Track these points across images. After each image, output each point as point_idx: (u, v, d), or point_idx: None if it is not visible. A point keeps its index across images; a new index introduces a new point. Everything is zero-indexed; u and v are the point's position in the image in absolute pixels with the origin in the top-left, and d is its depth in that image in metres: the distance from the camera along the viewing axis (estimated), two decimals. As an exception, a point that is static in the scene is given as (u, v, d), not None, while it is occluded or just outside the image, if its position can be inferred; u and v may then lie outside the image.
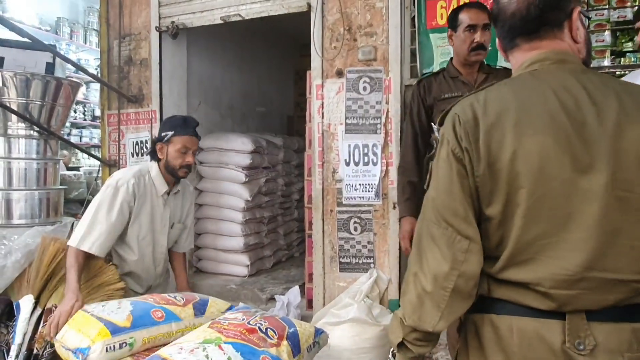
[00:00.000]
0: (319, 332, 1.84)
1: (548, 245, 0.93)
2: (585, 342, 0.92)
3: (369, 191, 2.81)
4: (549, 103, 0.95)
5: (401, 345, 1.07)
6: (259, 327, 1.65)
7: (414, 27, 2.78)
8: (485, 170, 0.96)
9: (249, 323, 1.67)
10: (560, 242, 0.93)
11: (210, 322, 1.71)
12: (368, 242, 2.84)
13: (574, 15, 1.01)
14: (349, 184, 2.86)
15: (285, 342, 1.64)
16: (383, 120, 2.77)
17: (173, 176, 2.33)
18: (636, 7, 2.57)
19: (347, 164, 2.86)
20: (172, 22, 3.41)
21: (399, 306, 1.09)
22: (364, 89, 2.82)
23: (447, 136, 1.01)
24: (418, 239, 1.05)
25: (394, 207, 2.73)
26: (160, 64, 3.50)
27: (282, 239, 4.27)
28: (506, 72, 2.20)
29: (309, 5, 2.90)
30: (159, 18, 3.48)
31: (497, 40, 1.14)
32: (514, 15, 1.04)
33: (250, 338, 1.58)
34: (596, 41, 2.64)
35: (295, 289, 3.11)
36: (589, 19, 1.00)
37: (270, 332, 1.64)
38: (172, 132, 2.26)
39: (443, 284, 0.98)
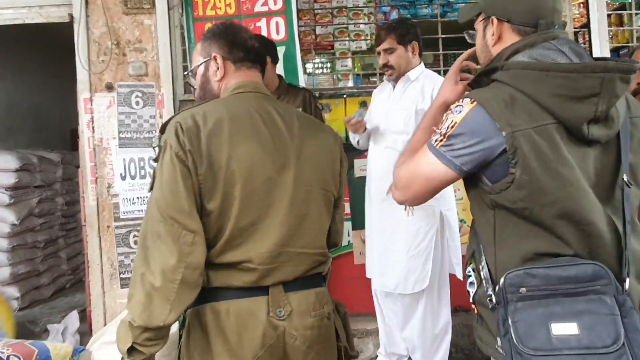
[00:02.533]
0: (77, 351, 1.81)
1: (256, 229, 1.16)
2: (284, 309, 1.16)
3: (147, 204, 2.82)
4: (253, 118, 1.20)
5: (131, 350, 1.09)
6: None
7: (185, 45, 2.90)
8: (206, 169, 1.12)
9: (-12, 353, 1.56)
10: (265, 227, 1.16)
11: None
12: (148, 256, 2.83)
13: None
14: (126, 198, 2.82)
15: (33, 367, 1.58)
16: (157, 133, 2.81)
17: None
18: (368, 40, 3.17)
19: (123, 178, 2.82)
20: None
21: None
22: (137, 103, 2.82)
23: (170, 142, 1.13)
24: (143, 240, 1.12)
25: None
26: None
27: (64, 264, 3.94)
28: (298, 90, 2.25)
29: (72, 17, 2.79)
30: None
31: None
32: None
33: (-12, 368, 1.48)
34: (341, 66, 3.17)
35: (73, 314, 2.92)
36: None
37: (12, 359, 1.55)
38: None
39: (171, 277, 1.07)
